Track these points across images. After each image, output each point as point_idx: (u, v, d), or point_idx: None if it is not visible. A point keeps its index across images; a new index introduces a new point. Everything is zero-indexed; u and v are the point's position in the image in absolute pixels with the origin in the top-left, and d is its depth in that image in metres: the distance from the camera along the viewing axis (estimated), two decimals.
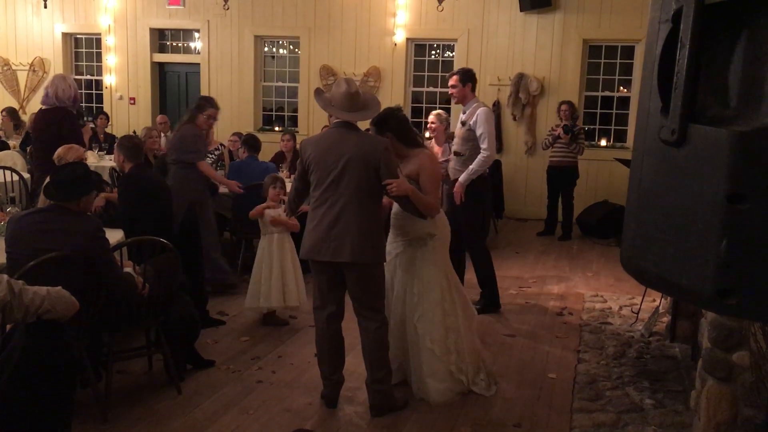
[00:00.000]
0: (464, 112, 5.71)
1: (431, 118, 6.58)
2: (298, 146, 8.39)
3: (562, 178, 8.94)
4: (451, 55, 10.86)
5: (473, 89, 5.72)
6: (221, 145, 8.96)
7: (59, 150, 4.97)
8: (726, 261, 0.97)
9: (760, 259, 0.96)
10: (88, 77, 12.62)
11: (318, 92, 3.96)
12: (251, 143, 7.03)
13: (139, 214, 4.72)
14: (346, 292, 3.88)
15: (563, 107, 8.95)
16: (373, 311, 3.81)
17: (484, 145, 5.49)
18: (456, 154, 5.72)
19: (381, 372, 3.83)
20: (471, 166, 5.53)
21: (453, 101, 5.83)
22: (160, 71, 12.34)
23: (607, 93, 10.38)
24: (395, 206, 4.09)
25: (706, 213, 0.99)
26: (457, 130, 5.77)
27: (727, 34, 1.03)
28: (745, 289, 0.97)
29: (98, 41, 12.34)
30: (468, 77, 5.68)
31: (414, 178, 3.95)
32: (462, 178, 5.58)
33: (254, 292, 5.22)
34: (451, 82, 5.73)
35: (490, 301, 5.80)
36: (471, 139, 5.56)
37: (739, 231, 0.96)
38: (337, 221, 3.65)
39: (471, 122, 5.55)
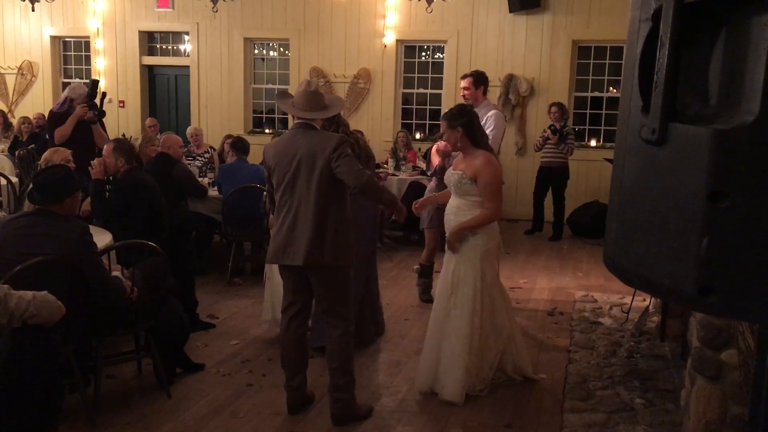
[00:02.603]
0: None
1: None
2: None
3: (552, 178, 9.05)
4: (440, 56, 10.88)
5: (485, 92, 5.80)
6: (211, 148, 8.94)
7: (46, 153, 4.95)
8: (707, 259, 0.97)
9: (741, 257, 0.96)
10: (77, 80, 12.56)
11: (281, 96, 3.98)
12: (239, 146, 7.02)
13: (129, 214, 4.70)
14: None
15: (553, 109, 9.07)
16: (336, 317, 3.72)
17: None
18: None
19: (342, 379, 3.73)
20: None
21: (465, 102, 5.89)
22: (150, 74, 12.31)
23: (596, 93, 10.42)
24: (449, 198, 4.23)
25: (686, 211, 0.99)
26: None
27: (706, 32, 1.03)
28: (727, 287, 0.97)
29: (87, 44, 12.29)
30: (481, 80, 5.77)
31: (469, 178, 4.07)
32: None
33: (268, 305, 5.05)
34: (464, 84, 5.80)
35: None
36: None
37: (719, 229, 0.96)
38: (294, 224, 3.61)
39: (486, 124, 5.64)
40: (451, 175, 4.23)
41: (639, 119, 1.07)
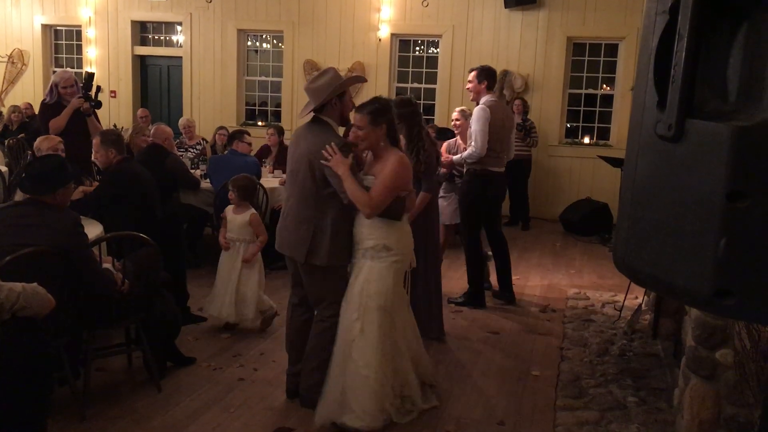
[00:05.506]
0: None
1: (455, 114, 6.26)
2: (284, 140, 8.36)
3: (517, 170, 9.25)
4: (435, 51, 10.83)
5: (489, 87, 5.73)
6: (203, 139, 8.87)
7: (36, 141, 4.89)
8: (724, 260, 0.94)
9: (760, 258, 0.93)
10: (68, 70, 12.42)
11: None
12: (236, 136, 7.03)
13: (122, 204, 4.65)
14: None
15: (516, 102, 9.47)
16: (317, 307, 3.83)
17: (472, 142, 5.53)
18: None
19: (312, 363, 3.74)
20: (462, 154, 5.71)
21: (470, 97, 5.86)
22: (142, 64, 12.19)
23: (590, 90, 10.40)
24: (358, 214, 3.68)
25: (703, 211, 0.96)
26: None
27: (726, 26, 1.00)
28: (744, 289, 0.94)
29: (78, 33, 12.16)
30: (485, 75, 5.70)
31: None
32: (455, 157, 5.82)
33: (212, 299, 5.05)
34: (469, 78, 5.79)
35: (473, 297, 5.83)
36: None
37: (738, 229, 0.93)
38: (288, 216, 3.76)
39: (471, 120, 5.65)
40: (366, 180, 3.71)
41: (654, 114, 1.04)
